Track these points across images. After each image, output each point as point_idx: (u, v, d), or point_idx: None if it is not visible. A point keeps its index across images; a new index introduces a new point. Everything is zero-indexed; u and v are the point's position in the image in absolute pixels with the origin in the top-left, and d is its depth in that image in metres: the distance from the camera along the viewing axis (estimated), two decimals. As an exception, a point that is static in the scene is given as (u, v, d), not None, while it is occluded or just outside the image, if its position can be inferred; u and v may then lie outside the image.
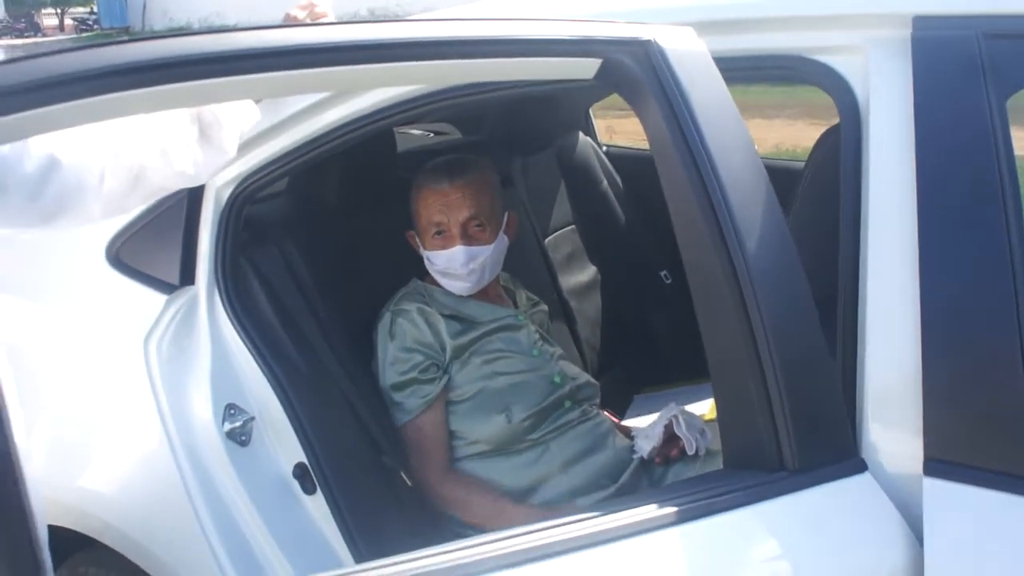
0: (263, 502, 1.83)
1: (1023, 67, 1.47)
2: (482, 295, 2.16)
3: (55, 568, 1.25)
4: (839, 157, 1.43)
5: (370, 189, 2.24)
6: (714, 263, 1.27)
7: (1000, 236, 1.27)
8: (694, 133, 1.28)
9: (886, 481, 1.29)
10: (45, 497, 1.22)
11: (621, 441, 2.14)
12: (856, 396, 1.34)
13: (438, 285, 2.13)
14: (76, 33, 28.73)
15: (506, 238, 2.16)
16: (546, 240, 2.80)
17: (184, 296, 1.91)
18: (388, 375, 2.05)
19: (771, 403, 1.25)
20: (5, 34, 28.30)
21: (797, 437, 1.25)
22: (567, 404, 2.11)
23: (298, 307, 2.01)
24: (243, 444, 1.85)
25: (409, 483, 2.02)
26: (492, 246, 2.10)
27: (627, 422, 2.43)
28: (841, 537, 1.28)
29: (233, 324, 1.88)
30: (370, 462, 1.99)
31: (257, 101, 1.68)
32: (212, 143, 1.59)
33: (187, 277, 1.92)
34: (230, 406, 1.85)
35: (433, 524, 1.98)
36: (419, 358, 2.04)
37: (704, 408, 2.38)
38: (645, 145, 1.39)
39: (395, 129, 2.44)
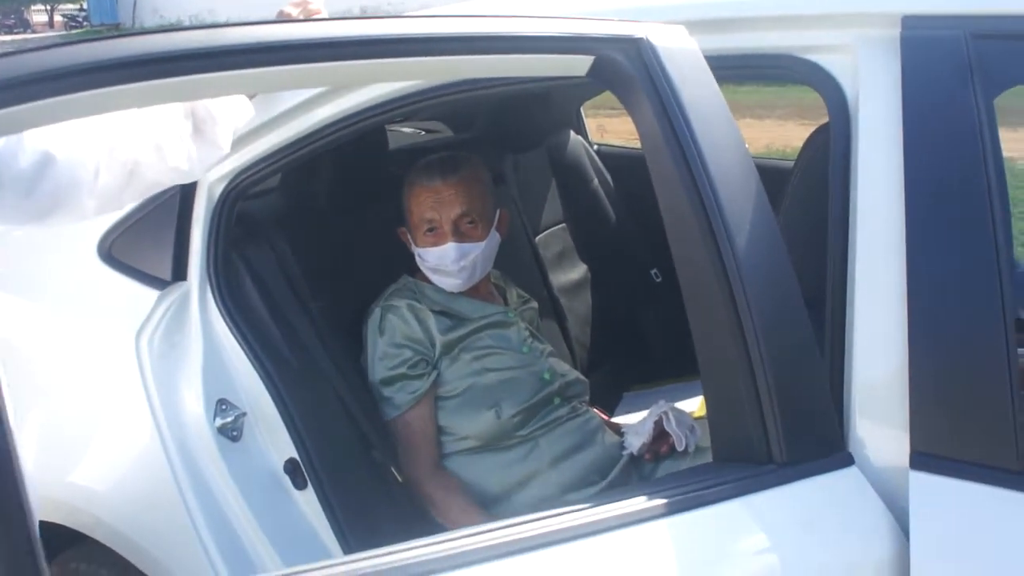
0: (254, 497, 1.84)
1: (1011, 67, 1.48)
2: (473, 292, 2.16)
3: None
4: (828, 156, 1.44)
5: (362, 186, 2.25)
6: (704, 259, 1.28)
7: (986, 234, 1.28)
8: (685, 130, 1.29)
9: (873, 475, 1.30)
10: (36, 493, 1.22)
11: (610, 438, 2.15)
12: (844, 391, 1.35)
13: (429, 282, 2.14)
14: (66, 29, 28.65)
15: (498, 235, 2.16)
16: (537, 238, 2.80)
17: (176, 292, 1.92)
18: (377, 370, 2.05)
19: (760, 398, 1.27)
20: (-6, 30, 28.21)
21: (785, 431, 1.26)
22: (556, 401, 2.12)
23: (290, 303, 2.02)
24: (234, 439, 1.85)
25: (400, 478, 2.03)
26: (483, 243, 2.11)
27: (616, 419, 2.44)
28: (828, 529, 1.29)
29: (225, 320, 1.89)
30: (361, 457, 1.99)
31: (251, 97, 1.69)
32: (206, 139, 1.59)
33: (179, 273, 1.93)
34: (221, 401, 1.85)
35: (423, 519, 1.99)
36: (408, 354, 2.04)
37: (693, 405, 2.39)
38: (636, 144, 1.40)
39: (387, 127, 2.45)
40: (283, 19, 1.61)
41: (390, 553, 1.13)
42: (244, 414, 1.86)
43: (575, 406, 2.16)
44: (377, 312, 2.09)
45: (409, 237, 2.14)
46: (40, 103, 1.01)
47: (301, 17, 1.65)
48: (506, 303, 2.26)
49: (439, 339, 2.06)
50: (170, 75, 1.06)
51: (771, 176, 1.59)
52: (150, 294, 1.92)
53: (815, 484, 1.28)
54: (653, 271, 3.09)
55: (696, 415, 2.17)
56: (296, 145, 1.80)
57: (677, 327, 1.38)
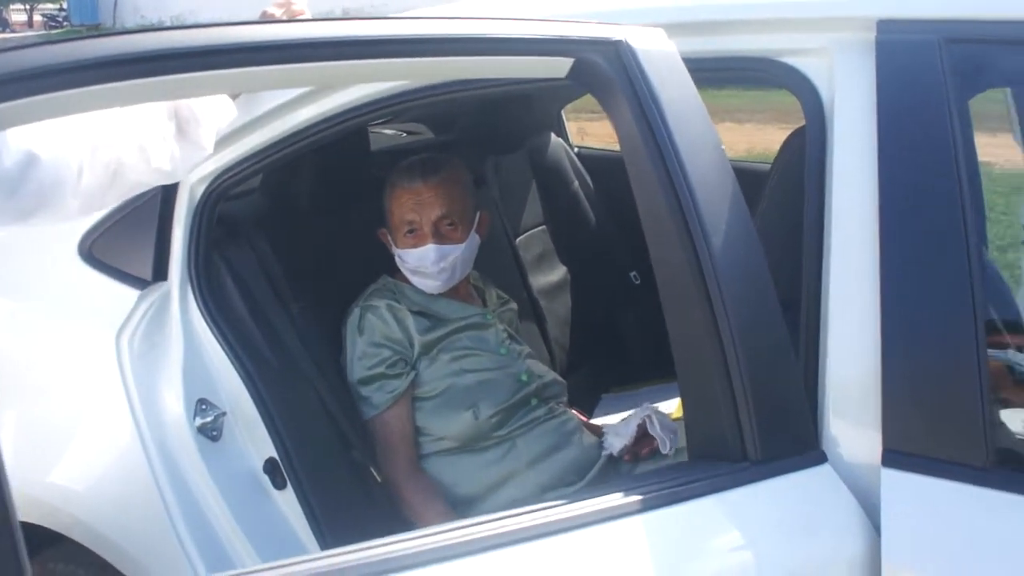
0: (233, 497, 1.84)
1: (984, 71, 1.51)
2: (452, 293, 2.17)
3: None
4: (804, 158, 1.46)
5: (343, 187, 2.25)
6: (680, 260, 1.29)
7: (958, 236, 1.30)
8: (663, 132, 1.31)
9: (845, 472, 1.32)
10: (16, 493, 1.22)
11: (588, 438, 2.16)
12: (818, 390, 1.37)
13: (408, 282, 2.15)
14: (45, 29, 28.46)
15: (477, 237, 2.17)
16: (517, 240, 2.81)
17: (157, 292, 1.92)
18: (356, 370, 2.06)
19: (735, 396, 1.28)
20: (-29, 30, 28.01)
21: (759, 429, 1.28)
22: (533, 402, 2.13)
23: (270, 303, 2.02)
24: (214, 439, 1.85)
25: (379, 478, 2.03)
26: (463, 245, 2.12)
27: (595, 421, 2.46)
28: (801, 526, 1.30)
29: (205, 320, 1.89)
30: (340, 457, 2.00)
31: (234, 97, 1.69)
32: (189, 139, 1.59)
33: (160, 273, 1.93)
34: (201, 401, 1.85)
35: (403, 518, 1.99)
36: (387, 353, 2.05)
37: (672, 407, 2.41)
38: (616, 147, 1.41)
39: (368, 128, 2.45)
40: (266, 19, 1.62)
41: (366, 548, 1.14)
42: (224, 414, 1.86)
43: (552, 407, 2.16)
44: (356, 312, 2.09)
45: (389, 238, 2.15)
46: (23, 101, 1.02)
47: (284, 18, 1.66)
48: (485, 304, 2.27)
49: (418, 339, 2.06)
50: (153, 74, 1.07)
51: (750, 179, 1.61)
52: (130, 294, 1.93)
53: (789, 481, 1.30)
54: (632, 273, 3.10)
55: (674, 416, 2.19)
56: (278, 146, 1.80)
57: (656, 329, 1.39)
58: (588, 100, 1.43)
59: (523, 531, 1.19)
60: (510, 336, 2.23)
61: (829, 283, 1.38)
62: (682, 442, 1.99)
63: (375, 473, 2.03)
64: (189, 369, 1.87)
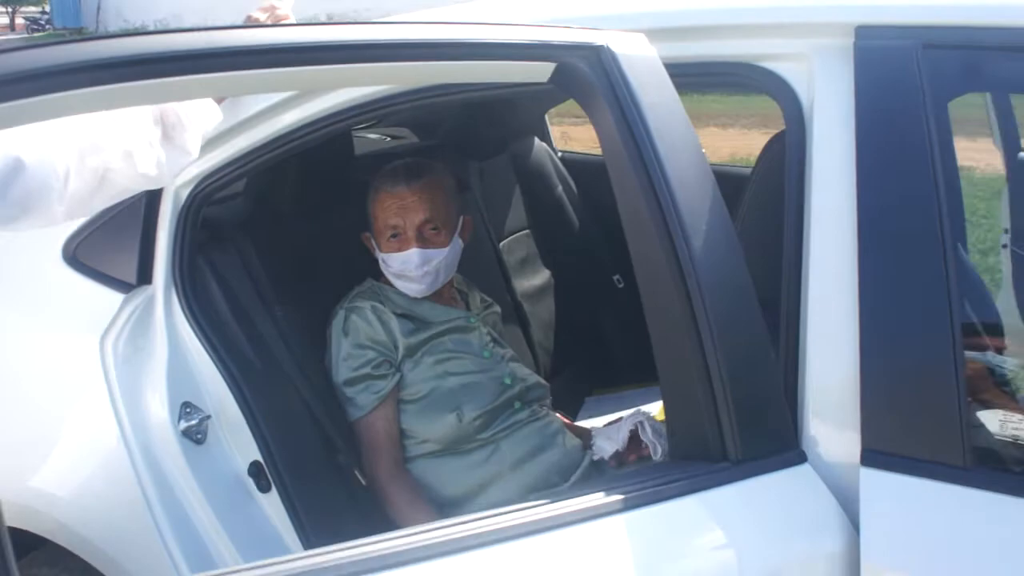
0: (218, 500, 1.84)
1: (960, 76, 1.53)
2: (435, 297, 2.18)
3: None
4: (784, 162, 1.48)
5: (327, 191, 2.26)
6: (661, 262, 1.31)
7: (935, 239, 1.32)
8: (644, 136, 1.32)
9: (825, 471, 1.34)
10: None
11: (571, 441, 2.16)
12: (797, 391, 1.39)
13: (392, 285, 2.16)
14: (28, 32, 28.29)
15: (461, 241, 2.18)
16: (501, 244, 2.82)
17: (141, 295, 1.92)
18: (341, 371, 2.06)
19: (715, 397, 1.30)
20: (-46, 33, 27.82)
21: (740, 430, 1.30)
22: (517, 405, 2.14)
23: (255, 307, 2.02)
24: (199, 442, 1.85)
25: (363, 481, 2.04)
26: (447, 249, 2.12)
27: (579, 423, 2.46)
28: (782, 524, 1.32)
29: (190, 323, 1.89)
30: (325, 460, 2.00)
31: (219, 102, 1.70)
32: (175, 144, 1.60)
33: (144, 276, 1.93)
34: (186, 404, 1.85)
35: (387, 521, 2.00)
36: (372, 355, 2.05)
37: (655, 410, 2.42)
38: (599, 151, 1.42)
39: (352, 132, 2.46)
40: (252, 24, 1.63)
41: (346, 548, 1.14)
42: (208, 417, 1.87)
43: (535, 409, 2.17)
44: (341, 314, 2.10)
45: (373, 242, 2.16)
46: (8, 105, 1.02)
47: (269, 22, 1.67)
48: (468, 308, 2.27)
49: (402, 341, 2.07)
50: (140, 78, 1.08)
51: (732, 183, 1.63)
52: (115, 297, 1.92)
53: (769, 481, 1.32)
54: (615, 277, 3.12)
55: (657, 418, 2.20)
56: (262, 150, 1.81)
57: (639, 332, 1.40)
58: (572, 105, 1.45)
59: (504, 531, 1.20)
60: (493, 339, 2.24)
61: (808, 285, 1.40)
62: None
63: (359, 476, 2.04)
64: (173, 372, 1.87)
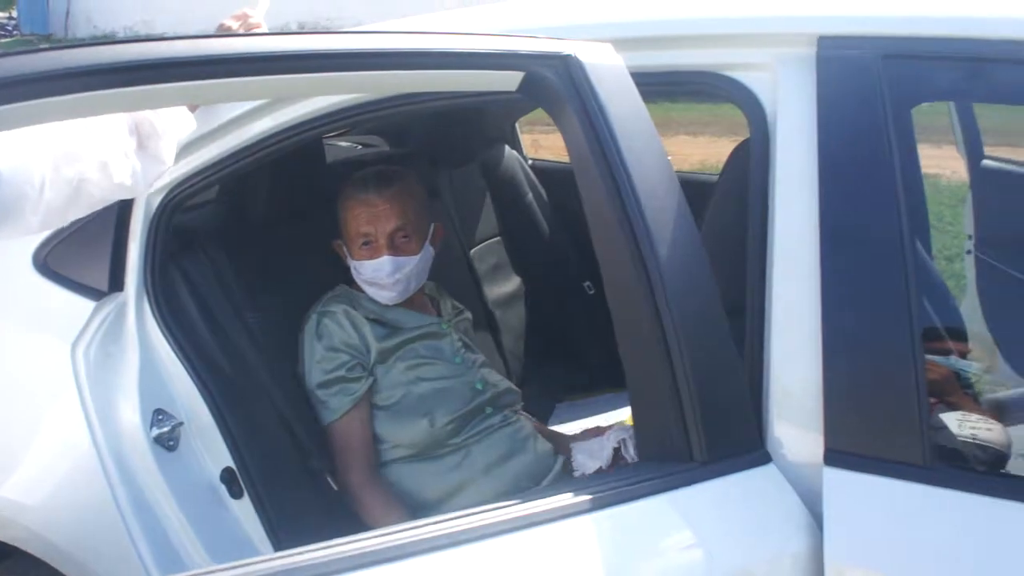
0: (190, 507, 1.84)
1: (920, 85, 1.56)
2: (407, 303, 2.19)
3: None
4: (749, 170, 1.50)
5: (299, 199, 2.26)
6: (629, 269, 1.33)
7: (896, 244, 1.35)
8: (611, 144, 1.34)
9: (789, 471, 1.36)
10: None
11: (542, 445, 2.18)
12: (762, 394, 1.41)
13: (364, 292, 2.17)
14: (-6, 38, 27.99)
15: (432, 249, 2.20)
16: (472, 251, 2.84)
17: (113, 302, 1.92)
18: (314, 374, 2.07)
19: (682, 400, 1.32)
20: (-82, 39, 27.45)
21: (706, 431, 1.32)
22: (488, 410, 2.15)
23: (226, 314, 2.02)
24: (171, 449, 1.86)
25: (335, 487, 2.04)
26: (418, 257, 2.14)
27: (554, 428, 2.48)
28: (747, 523, 1.34)
29: (162, 330, 1.90)
30: (297, 466, 2.01)
31: (192, 109, 1.70)
32: (150, 153, 1.60)
33: (116, 284, 1.93)
34: (158, 411, 1.86)
35: (360, 525, 2.00)
36: (345, 358, 2.06)
37: (625, 415, 2.44)
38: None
39: (323, 140, 2.47)
40: (224, 32, 1.64)
41: (320, 549, 1.15)
42: (181, 424, 1.87)
43: (506, 415, 2.19)
44: (314, 318, 2.11)
45: (345, 250, 2.17)
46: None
47: (242, 31, 1.67)
48: (440, 314, 2.29)
49: (374, 346, 2.08)
50: (114, 86, 1.09)
51: (698, 190, 1.64)
52: (86, 305, 1.92)
53: (734, 481, 1.34)
54: (586, 283, 3.13)
55: (627, 423, 2.21)
56: (234, 157, 1.82)
57: (609, 339, 1.42)
58: (543, 113, 1.46)
59: (474, 531, 1.21)
60: (465, 345, 2.25)
61: (772, 290, 1.42)
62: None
63: (331, 482, 2.05)
64: (145, 379, 1.87)
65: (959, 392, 1.57)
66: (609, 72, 1.41)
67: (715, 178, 2.57)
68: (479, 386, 2.16)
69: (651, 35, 1.59)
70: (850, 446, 1.31)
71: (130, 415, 1.84)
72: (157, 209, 1.88)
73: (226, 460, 1.87)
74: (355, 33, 1.35)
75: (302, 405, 2.07)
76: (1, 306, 2.05)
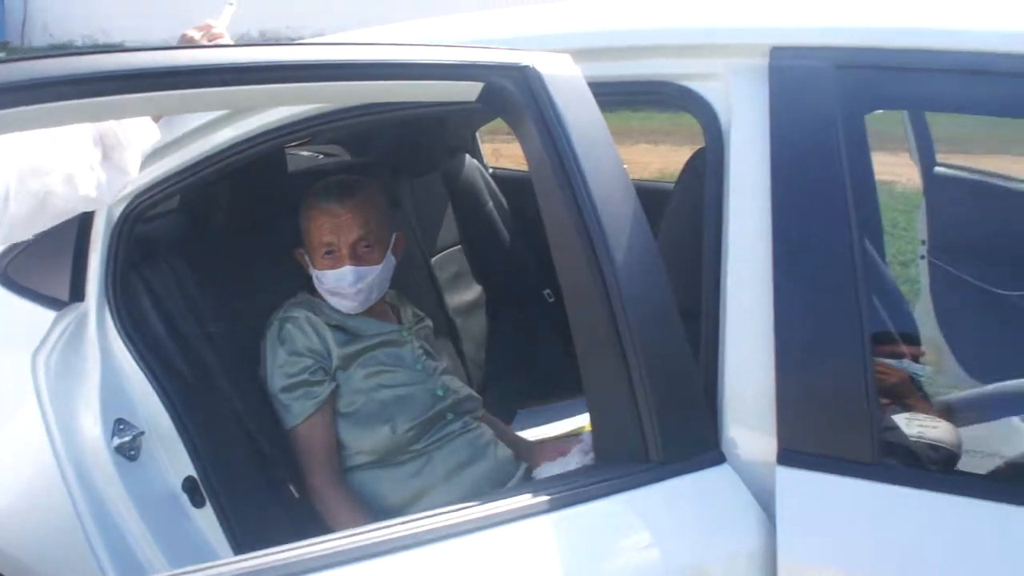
0: (152, 516, 1.84)
1: (870, 94, 1.60)
2: (368, 311, 2.19)
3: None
4: (704, 177, 1.53)
5: (260, 208, 2.27)
6: (586, 275, 1.35)
7: (846, 250, 1.38)
8: (569, 153, 1.36)
9: (743, 471, 1.39)
10: None
11: (503, 452, 2.20)
12: (717, 396, 1.44)
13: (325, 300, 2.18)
14: (-52, 50, 27.59)
15: (393, 258, 2.21)
16: (433, 260, 2.84)
17: (74, 312, 1.92)
18: (277, 379, 2.07)
19: (638, 402, 1.34)
20: None
21: (662, 432, 1.34)
22: (449, 416, 2.17)
23: (188, 323, 2.02)
24: (132, 459, 1.85)
25: (297, 495, 2.05)
26: (380, 267, 2.15)
27: (520, 434, 2.50)
28: (703, 521, 1.37)
29: (123, 340, 1.89)
30: (259, 474, 2.01)
31: (156, 119, 1.71)
32: (114, 164, 1.60)
33: (77, 293, 1.93)
34: (119, 421, 1.85)
35: (324, 533, 2.00)
36: (308, 361, 2.07)
37: (584, 421, 2.46)
38: (529, 167, 1.46)
39: (285, 150, 2.47)
40: (187, 43, 1.65)
41: (280, 552, 1.16)
42: (142, 433, 1.87)
43: (467, 421, 2.20)
44: (276, 323, 2.12)
45: (307, 259, 2.17)
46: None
47: (205, 41, 1.68)
48: (401, 322, 2.30)
49: (336, 351, 2.09)
50: (78, 97, 1.10)
51: (658, 198, 1.68)
52: (47, 315, 1.92)
53: (690, 480, 1.36)
54: (546, 291, 3.14)
55: (586, 430, 2.23)
56: (196, 167, 1.82)
57: (569, 345, 1.44)
58: (503, 122, 1.49)
59: (432, 532, 1.23)
60: (426, 352, 2.26)
61: (726, 295, 1.45)
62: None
63: (294, 490, 2.05)
64: (106, 389, 1.87)
65: (911, 393, 1.61)
66: (567, 82, 1.43)
67: (669, 185, 2.60)
68: (440, 393, 2.18)
69: (608, 46, 1.62)
70: (802, 445, 1.34)
71: (91, 425, 1.84)
72: (119, 219, 1.88)
73: (188, 469, 1.87)
74: (316, 45, 1.37)
75: (264, 414, 2.07)
76: (-40, 316, 2.04)
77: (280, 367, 2.08)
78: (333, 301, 2.15)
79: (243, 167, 1.88)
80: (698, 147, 1.65)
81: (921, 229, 2.40)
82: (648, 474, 1.34)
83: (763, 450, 1.37)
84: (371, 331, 2.17)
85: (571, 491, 1.32)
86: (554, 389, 2.90)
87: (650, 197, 1.48)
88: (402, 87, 1.39)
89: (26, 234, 1.59)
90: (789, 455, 1.34)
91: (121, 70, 1.12)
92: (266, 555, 1.15)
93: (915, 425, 1.47)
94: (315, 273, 2.15)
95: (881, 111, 2.02)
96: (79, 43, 13.53)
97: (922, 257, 2.37)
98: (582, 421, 2.44)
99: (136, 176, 1.68)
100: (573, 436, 2.34)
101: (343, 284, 2.12)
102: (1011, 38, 1.47)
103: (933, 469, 1.45)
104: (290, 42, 1.62)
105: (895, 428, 1.45)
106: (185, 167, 1.82)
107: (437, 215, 2.96)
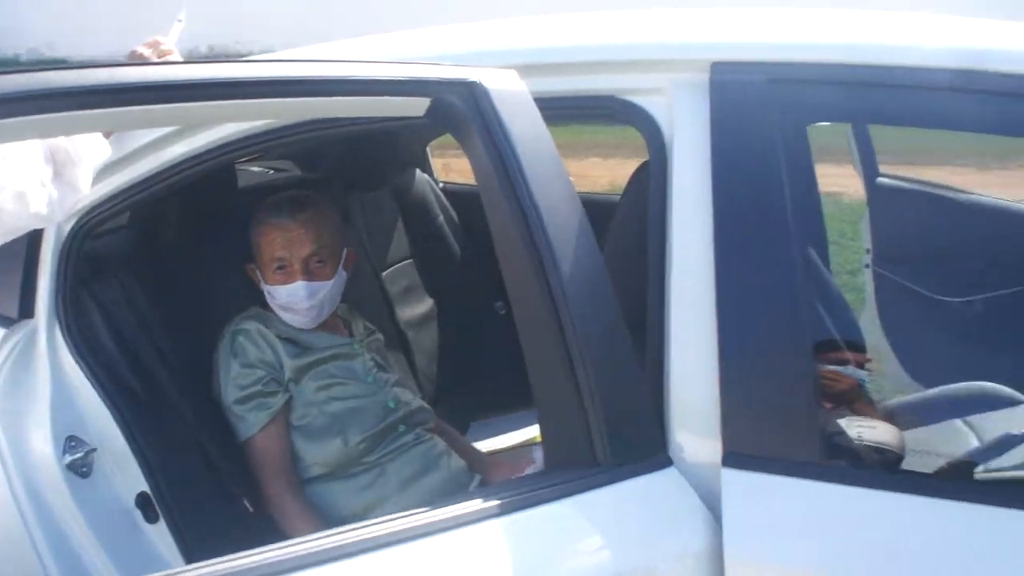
0: (105, 533, 1.83)
1: (808, 108, 1.65)
2: (320, 324, 2.21)
3: None
4: (648, 190, 1.56)
5: (211, 223, 2.27)
6: (533, 286, 1.37)
7: (787, 260, 1.42)
8: (515, 167, 1.39)
9: (690, 474, 1.42)
10: None
11: (456, 463, 2.21)
12: (663, 402, 1.47)
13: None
14: None
15: (344, 273, 2.22)
16: (384, 273, 2.85)
17: (23, 329, 1.91)
18: (230, 392, 2.07)
19: (586, 408, 1.37)
20: None
21: (609, 437, 1.37)
22: (401, 428, 2.18)
23: (139, 339, 2.02)
24: (84, 476, 1.84)
25: (251, 509, 2.05)
26: (332, 282, 2.16)
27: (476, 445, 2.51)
28: (651, 523, 1.40)
29: (74, 357, 1.89)
30: (212, 489, 2.01)
31: (106, 136, 1.71)
32: (66, 181, 1.60)
33: (27, 311, 1.92)
34: (71, 438, 1.84)
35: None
36: (261, 373, 2.08)
37: (536, 432, 2.48)
38: (479, 182, 1.48)
39: (235, 165, 2.48)
40: (136, 59, 1.65)
41: (231, 560, 1.17)
42: (94, 450, 1.86)
43: (419, 433, 2.21)
44: (228, 336, 2.12)
45: (258, 274, 2.18)
46: None
47: (154, 58, 1.69)
48: (352, 335, 2.31)
49: (288, 363, 2.10)
50: (29, 113, 1.10)
51: (602, 210, 1.70)
52: (-4, 332, 1.91)
53: (637, 484, 1.39)
54: (497, 304, 3.16)
55: (537, 440, 2.26)
56: (146, 183, 1.82)
57: (520, 358, 1.46)
58: (452, 138, 1.51)
59: (383, 537, 1.24)
60: (377, 365, 2.27)
61: (670, 304, 1.48)
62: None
63: (248, 504, 2.05)
64: (57, 406, 1.86)
65: (857, 397, 1.65)
66: (513, 97, 1.46)
67: (615, 198, 2.63)
68: (392, 404, 2.19)
69: (554, 61, 1.65)
70: (746, 448, 1.38)
71: (42, 443, 1.83)
72: (69, 235, 1.88)
73: (140, 485, 1.86)
74: (266, 61, 1.38)
75: (217, 428, 2.07)
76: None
77: (233, 379, 2.08)
78: (285, 316, 2.16)
79: (193, 183, 1.88)
80: (645, 160, 1.69)
81: (865, 238, 2.45)
82: (597, 478, 1.37)
83: (709, 453, 1.40)
84: (322, 344, 2.18)
85: (521, 495, 1.34)
86: (506, 401, 2.92)
87: (599, 210, 1.51)
88: (351, 103, 1.41)
89: None
90: (734, 457, 1.38)
91: (72, 86, 1.13)
92: (217, 563, 1.16)
93: (857, 427, 1.51)
94: (267, 288, 2.16)
95: (826, 124, 2.07)
96: (24, 57, 13.34)
97: (867, 266, 2.41)
98: (534, 432, 2.46)
99: (87, 192, 1.67)
100: (525, 447, 2.37)
101: (296, 299, 2.12)
102: (945, 53, 1.52)
103: (876, 469, 1.49)
104: (239, 58, 1.64)
105: (838, 430, 1.50)
106: (135, 183, 1.83)
107: (388, 229, 2.97)
